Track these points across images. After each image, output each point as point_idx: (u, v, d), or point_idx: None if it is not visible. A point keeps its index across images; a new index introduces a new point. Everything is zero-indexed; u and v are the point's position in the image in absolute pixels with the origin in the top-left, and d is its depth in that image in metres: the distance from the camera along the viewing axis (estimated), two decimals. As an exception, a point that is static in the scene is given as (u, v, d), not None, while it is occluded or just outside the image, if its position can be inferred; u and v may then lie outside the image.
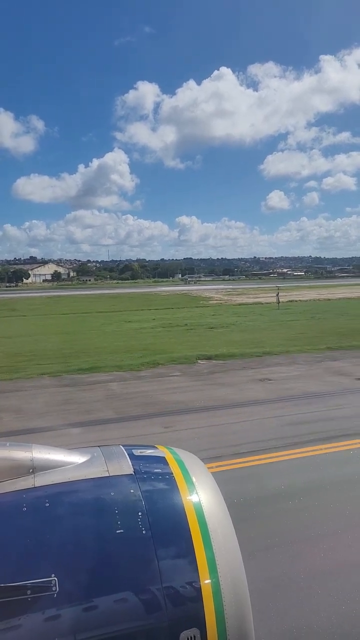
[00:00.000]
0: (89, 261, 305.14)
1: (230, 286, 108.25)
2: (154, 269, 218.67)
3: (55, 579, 1.89)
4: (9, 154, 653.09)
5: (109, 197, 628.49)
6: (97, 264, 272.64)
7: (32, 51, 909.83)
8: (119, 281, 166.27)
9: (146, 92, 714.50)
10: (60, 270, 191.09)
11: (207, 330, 30.82)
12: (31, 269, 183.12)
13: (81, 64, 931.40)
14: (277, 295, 49.08)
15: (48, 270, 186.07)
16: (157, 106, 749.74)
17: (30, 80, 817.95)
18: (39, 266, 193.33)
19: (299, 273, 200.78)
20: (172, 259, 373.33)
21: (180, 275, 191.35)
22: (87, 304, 62.14)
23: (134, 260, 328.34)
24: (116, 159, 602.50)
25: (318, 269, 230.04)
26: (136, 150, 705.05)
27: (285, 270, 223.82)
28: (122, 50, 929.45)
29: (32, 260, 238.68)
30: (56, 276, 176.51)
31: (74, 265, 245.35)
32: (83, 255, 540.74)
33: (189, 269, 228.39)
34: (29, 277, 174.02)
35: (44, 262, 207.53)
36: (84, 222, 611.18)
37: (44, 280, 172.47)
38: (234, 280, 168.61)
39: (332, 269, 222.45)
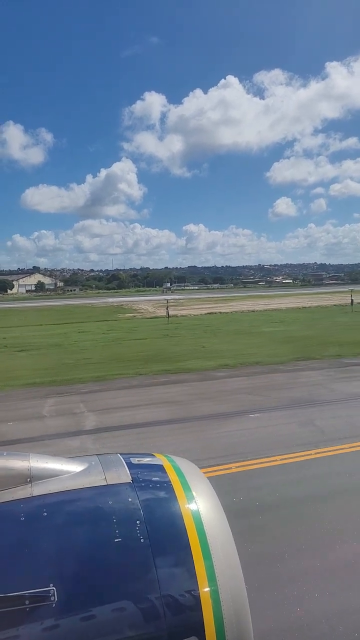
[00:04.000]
0: (92, 270, 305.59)
1: (187, 296, 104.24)
2: (145, 278, 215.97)
3: (54, 588, 1.86)
4: (18, 166, 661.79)
5: (117, 206, 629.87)
6: (101, 273, 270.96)
7: (40, 64, 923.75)
8: (100, 291, 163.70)
9: (153, 101, 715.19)
10: (47, 280, 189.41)
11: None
12: (17, 279, 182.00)
13: (89, 75, 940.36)
14: (167, 308, 45.50)
15: (34, 280, 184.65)
16: (164, 115, 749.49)
17: (39, 93, 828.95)
18: (25, 276, 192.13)
19: (287, 281, 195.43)
20: (178, 267, 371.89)
21: (169, 284, 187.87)
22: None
23: (137, 269, 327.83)
24: (123, 168, 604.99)
25: (311, 276, 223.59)
26: (143, 159, 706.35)
27: (277, 278, 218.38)
28: (129, 61, 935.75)
29: (35, 270, 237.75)
30: (39, 286, 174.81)
31: (68, 274, 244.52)
32: (91, 265, 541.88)
33: (179, 277, 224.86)
34: (13, 287, 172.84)
35: (30, 273, 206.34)
36: (91, 231, 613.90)
37: (27, 291, 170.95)
38: (218, 289, 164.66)
39: (323, 277, 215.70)
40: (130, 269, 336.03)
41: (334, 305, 59.51)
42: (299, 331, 33.02)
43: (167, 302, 50.17)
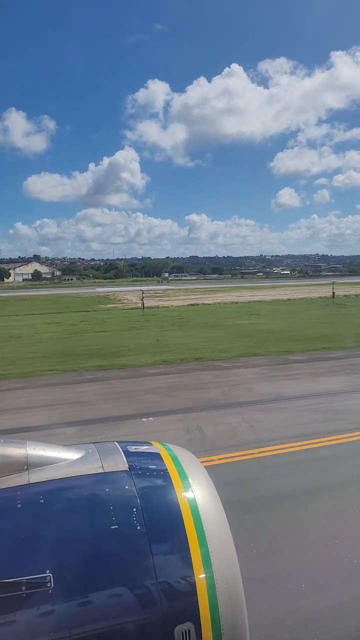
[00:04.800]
0: (92, 259, 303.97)
1: (180, 287, 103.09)
2: (143, 268, 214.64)
3: (50, 575, 1.87)
4: (20, 153, 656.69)
5: (119, 195, 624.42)
6: (101, 262, 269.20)
7: (44, 51, 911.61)
8: (96, 280, 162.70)
9: (156, 90, 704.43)
10: (43, 269, 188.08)
11: None
12: (14, 268, 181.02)
13: (92, 63, 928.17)
14: (142, 299, 44.69)
15: (30, 269, 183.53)
16: (167, 104, 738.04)
17: (42, 80, 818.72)
18: (22, 265, 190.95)
19: (286, 272, 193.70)
20: (179, 257, 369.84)
21: (167, 274, 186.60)
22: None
23: (139, 259, 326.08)
24: (126, 157, 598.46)
25: (309, 267, 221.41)
26: (146, 148, 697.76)
27: (276, 269, 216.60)
28: (132, 49, 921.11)
29: (35, 259, 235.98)
30: (36, 275, 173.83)
31: (68, 263, 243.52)
32: (93, 254, 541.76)
33: (177, 267, 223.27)
34: (10, 276, 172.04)
35: (27, 261, 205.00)
36: (94, 220, 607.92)
37: (24, 280, 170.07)
38: (216, 279, 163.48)
39: (321, 268, 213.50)
40: (132, 258, 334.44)
41: (320, 297, 58.50)
42: (267, 324, 32.18)
43: (143, 293, 49.21)
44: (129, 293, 78.82)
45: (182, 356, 20.09)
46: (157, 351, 21.84)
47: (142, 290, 54.63)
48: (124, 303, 60.80)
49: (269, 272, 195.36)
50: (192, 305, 54.66)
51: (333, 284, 53.82)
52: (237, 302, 55.81)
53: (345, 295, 58.90)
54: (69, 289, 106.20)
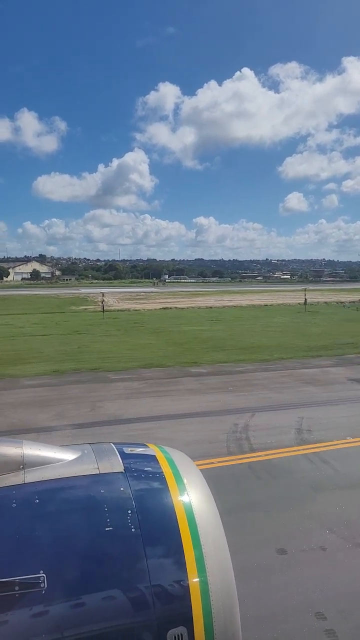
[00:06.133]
0: (98, 260, 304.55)
1: (171, 289, 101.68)
2: (143, 269, 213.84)
3: (44, 575, 1.85)
4: (31, 153, 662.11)
5: (128, 197, 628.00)
6: (103, 263, 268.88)
7: (56, 54, 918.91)
8: (94, 281, 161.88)
9: (167, 92, 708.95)
10: (43, 269, 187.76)
11: None
12: (13, 267, 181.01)
13: (104, 65, 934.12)
14: (102, 302, 43.53)
15: (30, 268, 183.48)
16: (177, 107, 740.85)
17: (54, 81, 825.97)
18: (22, 264, 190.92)
19: (286, 276, 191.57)
20: (185, 260, 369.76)
21: (166, 277, 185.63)
22: None
23: (144, 260, 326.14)
24: (135, 159, 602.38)
25: (309, 273, 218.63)
26: (155, 150, 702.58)
27: (276, 273, 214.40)
28: (144, 52, 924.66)
29: (42, 259, 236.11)
30: (35, 275, 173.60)
31: (69, 263, 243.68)
32: (99, 254, 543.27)
33: (177, 270, 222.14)
34: (9, 275, 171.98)
35: (27, 260, 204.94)
36: (102, 221, 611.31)
37: (22, 279, 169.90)
38: (215, 282, 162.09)
39: (323, 273, 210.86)
40: (137, 259, 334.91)
41: (299, 303, 56.82)
42: (214, 332, 30.79)
43: (103, 296, 48.00)
44: (112, 295, 77.63)
45: (83, 365, 18.74)
46: (66, 359, 20.51)
47: (103, 293, 53.37)
48: (98, 305, 59.68)
49: (270, 276, 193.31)
50: (163, 308, 53.39)
51: (305, 290, 52.10)
52: (211, 307, 54.40)
53: (325, 302, 57.22)
54: (60, 289, 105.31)
